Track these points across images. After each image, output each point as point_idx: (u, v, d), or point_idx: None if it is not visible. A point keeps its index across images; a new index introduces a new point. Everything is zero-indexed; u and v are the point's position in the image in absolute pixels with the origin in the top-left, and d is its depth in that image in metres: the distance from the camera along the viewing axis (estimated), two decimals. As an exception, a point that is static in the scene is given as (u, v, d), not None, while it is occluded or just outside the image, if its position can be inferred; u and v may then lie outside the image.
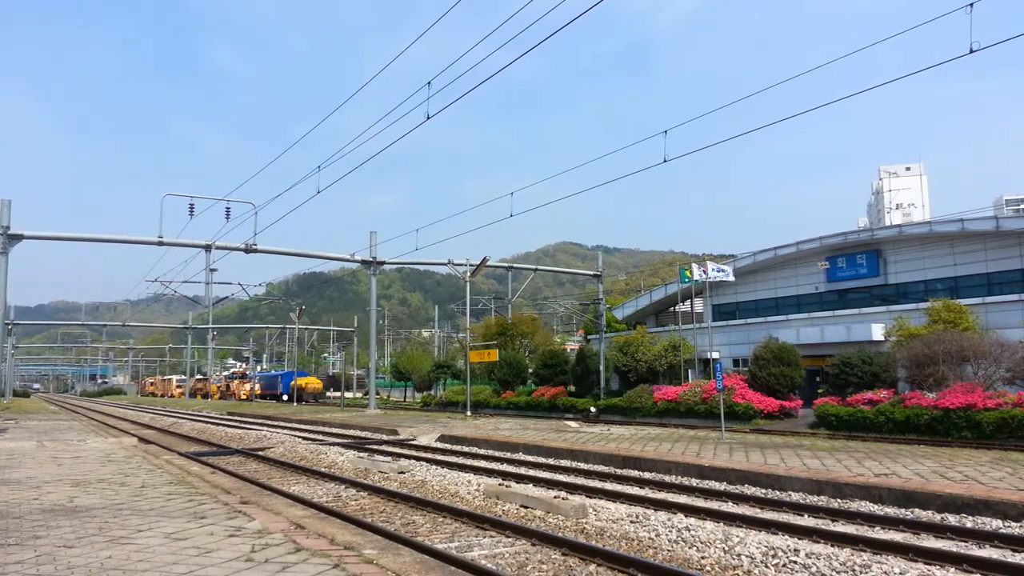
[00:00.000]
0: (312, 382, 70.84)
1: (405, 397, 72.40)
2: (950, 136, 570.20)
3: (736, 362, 39.65)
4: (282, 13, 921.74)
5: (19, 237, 32.24)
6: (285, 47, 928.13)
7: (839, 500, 12.02)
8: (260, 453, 20.15)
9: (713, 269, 33.73)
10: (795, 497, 12.41)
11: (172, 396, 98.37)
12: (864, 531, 9.68)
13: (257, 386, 78.68)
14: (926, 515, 10.71)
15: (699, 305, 47.20)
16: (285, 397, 68.37)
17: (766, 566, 7.76)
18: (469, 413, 37.20)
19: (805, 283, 43.28)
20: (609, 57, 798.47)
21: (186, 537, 7.02)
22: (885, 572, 7.39)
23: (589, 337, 49.85)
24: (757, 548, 8.31)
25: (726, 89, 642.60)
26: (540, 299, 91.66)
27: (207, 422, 37.13)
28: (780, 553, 8.07)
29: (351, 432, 28.24)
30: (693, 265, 34.83)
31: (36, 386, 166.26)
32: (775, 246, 43.79)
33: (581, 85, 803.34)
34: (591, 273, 47.49)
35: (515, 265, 52.81)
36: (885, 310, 34.02)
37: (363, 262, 41.94)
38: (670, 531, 9.36)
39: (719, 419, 21.80)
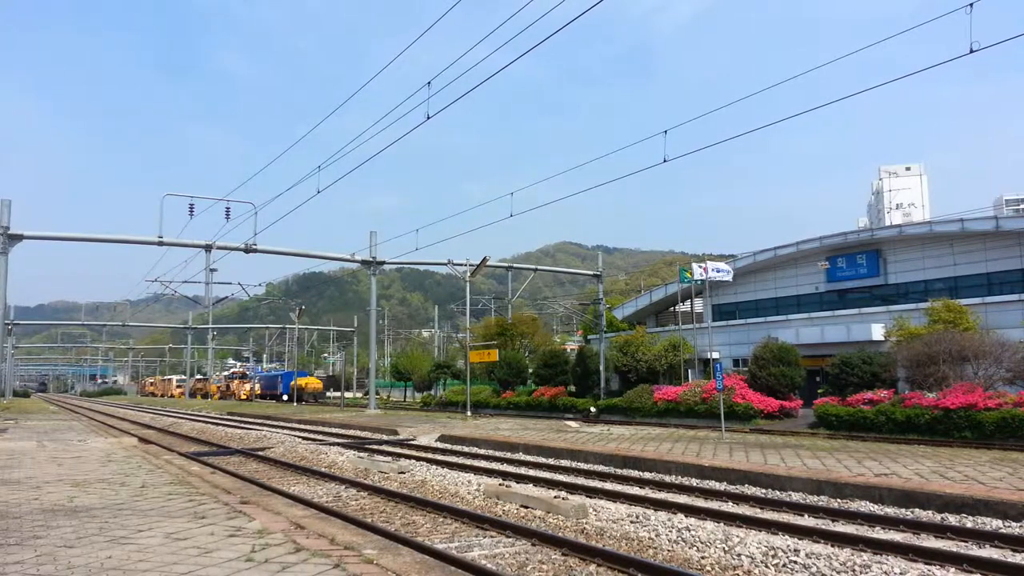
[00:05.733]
0: (312, 382, 70.81)
1: (405, 397, 72.39)
2: (950, 136, 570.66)
3: (736, 362, 39.64)
4: (286, 16, 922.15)
5: (19, 237, 32.23)
6: (288, 49, 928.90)
7: (839, 500, 12.02)
8: (260, 453, 20.15)
9: (713, 269, 33.74)
10: (795, 497, 12.41)
11: (172, 396, 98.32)
12: (864, 531, 9.68)
13: (257, 386, 78.67)
14: (926, 515, 10.71)
15: (699, 305, 47.20)
16: (285, 397, 68.37)
17: (766, 566, 7.76)
18: (469, 413, 37.21)
19: (805, 283, 43.28)
20: (611, 61, 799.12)
21: (186, 537, 7.02)
22: (885, 572, 7.39)
23: (589, 337, 49.85)
24: (757, 548, 8.31)
25: (727, 91, 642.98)
26: (540, 299, 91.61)
27: (207, 422, 37.13)
28: (780, 553, 8.07)
29: (351, 432, 28.24)
30: (693, 265, 34.83)
31: (42, 387, 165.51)
32: (775, 246, 43.79)
33: (582, 88, 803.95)
34: (591, 273, 47.50)
35: (515, 265, 52.80)
36: (885, 310, 34.01)
37: (363, 262, 41.94)
38: (670, 531, 9.36)
39: (719, 419, 21.80)
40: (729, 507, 11.58)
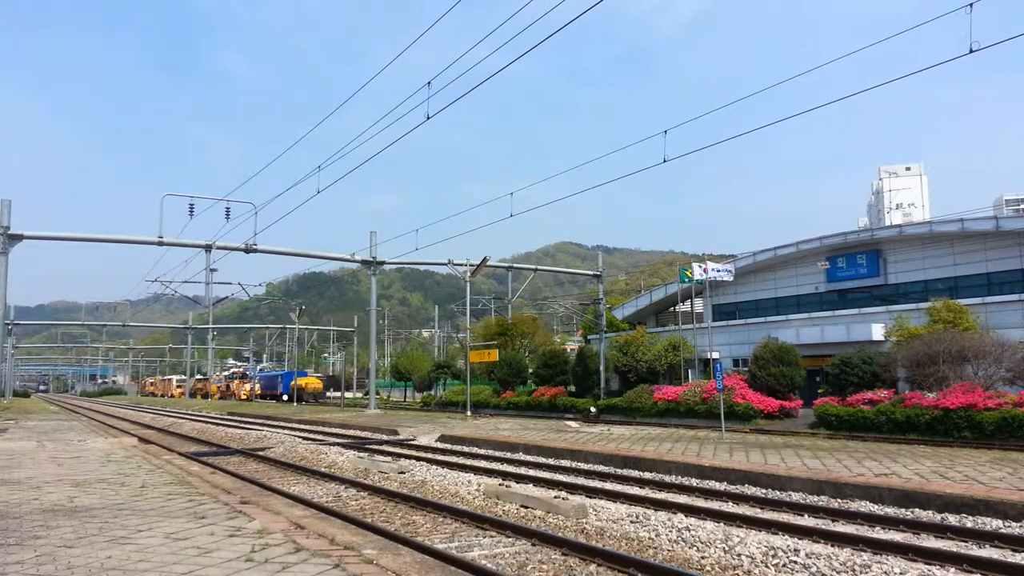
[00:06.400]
0: (312, 382, 70.81)
1: (405, 397, 72.40)
2: (950, 136, 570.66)
3: (736, 362, 39.64)
4: (286, 16, 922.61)
5: (19, 237, 32.24)
6: (288, 49, 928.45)
7: (839, 500, 12.02)
8: (260, 453, 20.15)
9: (714, 269, 33.74)
10: (795, 497, 12.41)
11: (172, 396, 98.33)
12: (864, 531, 9.68)
13: (257, 386, 78.69)
14: (926, 515, 10.71)
15: (699, 305, 47.20)
16: (285, 397, 68.38)
17: (766, 566, 7.76)
18: (469, 413, 37.20)
19: (805, 283, 43.27)
20: (611, 61, 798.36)
21: (186, 537, 7.02)
22: (885, 572, 7.39)
23: (589, 337, 49.86)
24: (757, 548, 8.31)
25: (727, 91, 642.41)
26: (540, 299, 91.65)
27: (207, 422, 37.13)
28: (780, 553, 8.07)
29: (351, 432, 28.24)
30: (693, 265, 34.84)
31: (44, 387, 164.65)
32: (775, 246, 43.79)
33: (582, 88, 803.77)
34: (591, 273, 47.51)
35: (515, 265, 52.80)
36: (885, 310, 34.01)
37: (363, 262, 41.94)
38: (670, 531, 9.36)
39: (719, 419, 21.80)
40: (729, 507, 11.58)
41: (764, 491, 13.05)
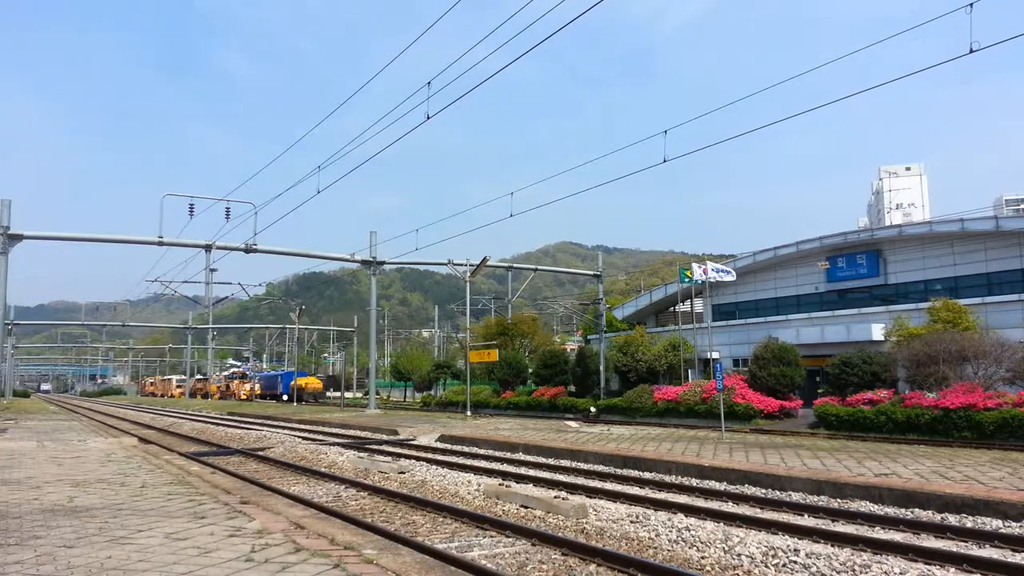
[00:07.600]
0: (312, 382, 70.83)
1: (405, 397, 72.42)
2: (950, 136, 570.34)
3: (736, 362, 39.64)
4: (286, 16, 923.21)
5: (19, 237, 32.25)
6: (288, 49, 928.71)
7: (839, 500, 12.02)
8: (260, 453, 20.15)
9: (714, 269, 33.73)
10: (795, 497, 12.41)
11: (172, 396, 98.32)
12: (864, 531, 9.68)
13: (257, 386, 78.68)
14: (926, 515, 10.71)
15: (699, 305, 47.21)
16: (285, 397, 68.39)
17: (766, 566, 7.76)
18: (469, 413, 37.20)
19: (805, 283, 43.28)
20: (612, 62, 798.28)
21: (186, 537, 7.01)
22: (885, 572, 7.39)
23: (589, 337, 49.87)
24: (757, 548, 8.30)
25: (727, 91, 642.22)
26: (540, 299, 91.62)
27: (207, 422, 37.13)
28: (780, 553, 8.07)
29: (351, 432, 28.25)
30: (693, 265, 34.84)
31: (46, 387, 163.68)
32: (775, 246, 43.79)
33: (583, 88, 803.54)
34: (591, 273, 47.53)
35: (515, 265, 52.83)
36: (885, 310, 34.02)
37: (363, 262, 41.95)
38: (670, 531, 9.36)
39: (719, 419, 21.80)
40: (729, 507, 11.58)
41: (764, 491, 13.05)
